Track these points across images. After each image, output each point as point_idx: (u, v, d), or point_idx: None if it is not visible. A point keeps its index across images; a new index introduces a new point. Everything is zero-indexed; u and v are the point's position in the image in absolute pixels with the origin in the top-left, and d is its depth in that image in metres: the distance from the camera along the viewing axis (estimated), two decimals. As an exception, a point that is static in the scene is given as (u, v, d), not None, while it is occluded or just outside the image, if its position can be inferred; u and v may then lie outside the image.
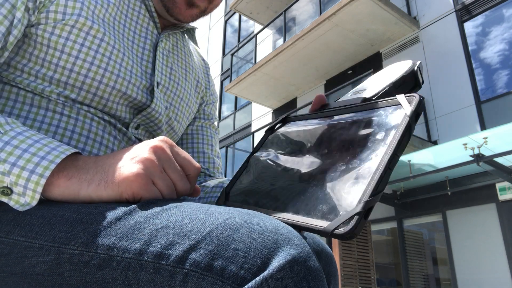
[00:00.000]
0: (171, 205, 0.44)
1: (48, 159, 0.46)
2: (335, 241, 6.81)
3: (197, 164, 0.53)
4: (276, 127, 0.61)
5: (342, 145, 0.47)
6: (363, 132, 0.46)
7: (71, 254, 0.41)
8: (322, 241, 0.69)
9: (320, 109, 0.58)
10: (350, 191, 0.40)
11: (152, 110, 0.68)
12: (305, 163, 0.49)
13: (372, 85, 0.56)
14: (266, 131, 0.62)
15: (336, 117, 0.53)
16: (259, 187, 0.52)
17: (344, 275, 6.56)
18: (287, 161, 0.52)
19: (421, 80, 0.52)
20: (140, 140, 0.69)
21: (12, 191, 0.46)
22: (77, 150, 0.50)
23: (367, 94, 0.53)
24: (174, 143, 0.52)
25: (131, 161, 0.47)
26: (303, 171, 0.48)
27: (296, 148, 0.53)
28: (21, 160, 0.46)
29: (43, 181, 0.45)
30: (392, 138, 0.41)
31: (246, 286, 0.34)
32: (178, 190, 0.50)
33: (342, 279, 6.53)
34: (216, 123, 0.92)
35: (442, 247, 7.02)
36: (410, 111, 0.43)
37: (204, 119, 0.88)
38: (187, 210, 0.42)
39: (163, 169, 0.48)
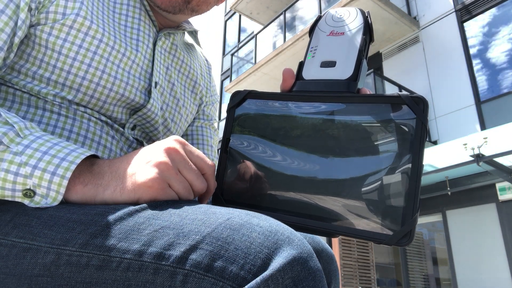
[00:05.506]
0: (170, 205, 0.44)
1: (68, 160, 0.47)
2: (335, 241, 6.80)
3: (211, 162, 0.52)
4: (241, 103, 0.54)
5: (352, 146, 0.46)
6: (375, 135, 0.46)
7: (70, 256, 0.41)
8: (323, 240, 0.69)
9: (293, 88, 0.53)
10: (394, 204, 0.43)
11: (147, 111, 0.67)
12: (313, 163, 0.48)
13: (336, 52, 0.51)
14: (229, 110, 0.54)
15: (323, 106, 0.49)
16: (268, 190, 0.50)
17: (344, 275, 6.55)
18: (286, 156, 0.49)
19: (372, 27, 0.51)
20: (137, 140, 0.69)
21: (35, 193, 0.46)
22: (93, 153, 0.50)
23: (344, 72, 0.50)
24: (186, 142, 0.51)
25: (146, 166, 0.47)
26: (321, 175, 0.47)
27: (286, 139, 0.50)
28: (42, 163, 0.46)
29: (65, 183, 0.46)
30: (417, 153, 0.43)
31: (246, 287, 0.34)
32: (195, 190, 0.49)
33: (342, 279, 6.52)
34: (216, 124, 0.92)
35: (442, 247, 7.02)
36: (424, 117, 0.44)
37: (203, 120, 0.87)
38: (187, 211, 0.42)
39: (178, 170, 0.48)
